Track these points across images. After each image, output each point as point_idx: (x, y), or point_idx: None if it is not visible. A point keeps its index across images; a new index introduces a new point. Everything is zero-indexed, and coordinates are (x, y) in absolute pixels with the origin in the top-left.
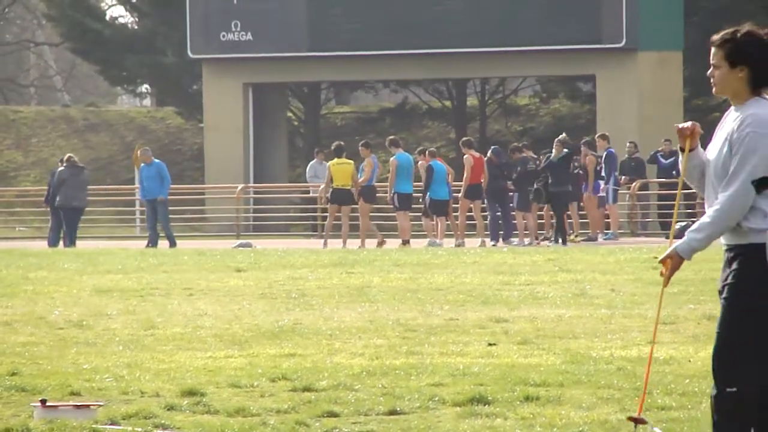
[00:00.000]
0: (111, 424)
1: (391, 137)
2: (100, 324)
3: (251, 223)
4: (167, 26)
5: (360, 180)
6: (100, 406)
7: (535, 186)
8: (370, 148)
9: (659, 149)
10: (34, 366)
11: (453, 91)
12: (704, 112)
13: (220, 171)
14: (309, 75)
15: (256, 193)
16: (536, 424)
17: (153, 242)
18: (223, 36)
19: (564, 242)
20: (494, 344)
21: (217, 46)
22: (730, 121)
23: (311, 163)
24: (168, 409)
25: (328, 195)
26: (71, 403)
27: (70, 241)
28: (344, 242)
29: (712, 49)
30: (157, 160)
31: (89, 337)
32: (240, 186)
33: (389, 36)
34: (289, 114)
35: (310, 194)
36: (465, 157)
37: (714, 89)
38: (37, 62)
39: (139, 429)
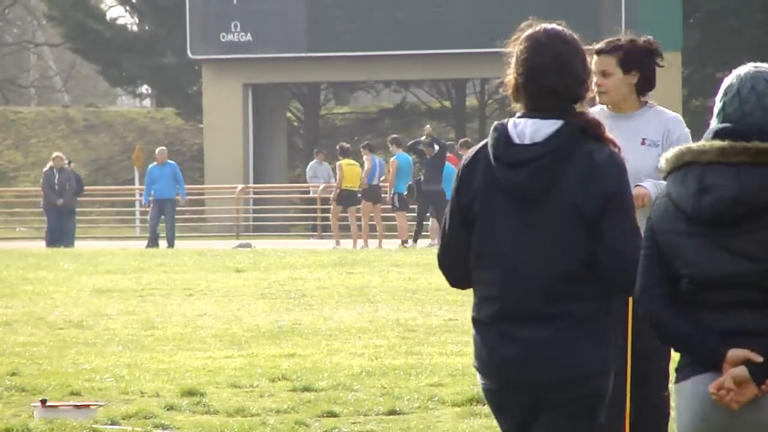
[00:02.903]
0: (111, 424)
1: (394, 136)
2: (99, 324)
3: (251, 223)
4: (167, 27)
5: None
6: (100, 406)
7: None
8: (368, 149)
9: None
10: (34, 366)
11: (452, 92)
12: (702, 113)
13: (220, 171)
14: (308, 75)
15: (255, 193)
16: None
17: (155, 242)
18: (223, 37)
19: (411, 242)
20: None
21: (216, 47)
22: (633, 127)
23: (311, 163)
24: (168, 409)
25: (336, 196)
26: (71, 403)
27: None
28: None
29: (601, 57)
30: (171, 161)
31: (89, 338)
32: (240, 186)
33: (389, 36)
34: (289, 114)
35: (310, 194)
36: (463, 157)
37: (603, 97)
38: (37, 63)
39: (139, 429)
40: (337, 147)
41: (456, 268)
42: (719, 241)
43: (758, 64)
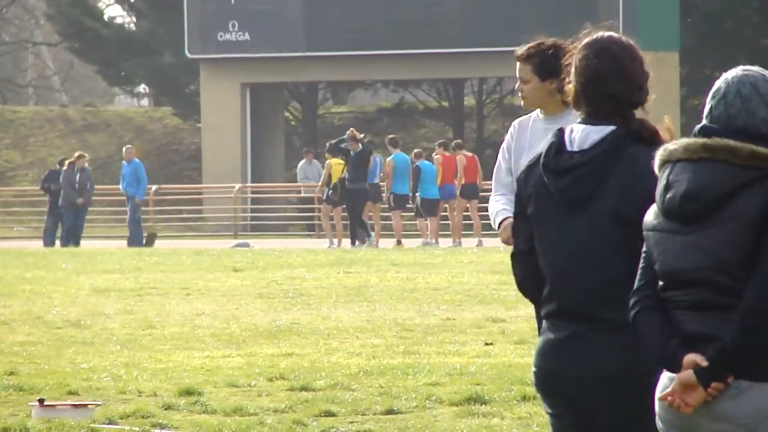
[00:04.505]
0: (109, 424)
1: (391, 137)
2: (97, 323)
3: (249, 222)
4: (165, 26)
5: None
6: (98, 405)
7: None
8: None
9: None
10: (31, 365)
11: (450, 91)
12: (700, 113)
13: (218, 171)
14: (306, 75)
15: (253, 192)
16: (533, 424)
17: (137, 241)
18: (221, 36)
19: (354, 242)
20: (491, 344)
21: (214, 46)
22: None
23: (300, 164)
24: (165, 409)
25: (324, 195)
26: (69, 402)
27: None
28: (339, 241)
29: (518, 64)
30: (136, 160)
31: (87, 337)
32: (237, 186)
33: (386, 36)
34: (287, 114)
35: (302, 194)
36: (457, 158)
37: (523, 103)
38: (35, 62)
39: (137, 428)
40: (327, 144)
41: (521, 254)
42: (682, 238)
43: (747, 67)
